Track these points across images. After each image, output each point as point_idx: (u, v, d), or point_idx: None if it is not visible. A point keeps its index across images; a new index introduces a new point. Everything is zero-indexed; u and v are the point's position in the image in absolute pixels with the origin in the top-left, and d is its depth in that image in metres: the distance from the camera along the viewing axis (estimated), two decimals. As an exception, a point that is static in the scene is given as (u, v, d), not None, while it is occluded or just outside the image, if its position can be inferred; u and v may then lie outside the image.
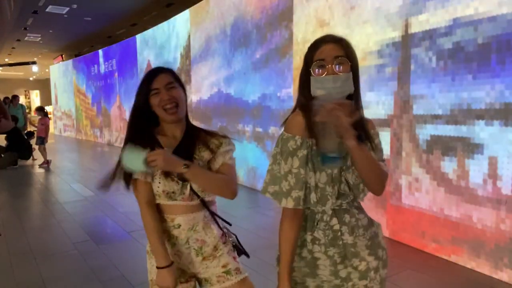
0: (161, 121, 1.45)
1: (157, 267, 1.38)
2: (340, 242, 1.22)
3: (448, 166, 3.09)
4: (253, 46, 5.50)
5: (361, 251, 1.24)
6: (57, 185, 6.72)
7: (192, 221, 1.43)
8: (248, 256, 1.53)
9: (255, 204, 4.97)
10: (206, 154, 1.44)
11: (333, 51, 1.17)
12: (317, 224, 1.23)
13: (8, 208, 5.12)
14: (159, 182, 1.38)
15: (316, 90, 1.19)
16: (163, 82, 1.39)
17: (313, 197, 1.21)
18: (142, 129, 1.42)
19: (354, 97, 1.24)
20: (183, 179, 1.37)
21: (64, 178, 7.11)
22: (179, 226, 1.42)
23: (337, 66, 1.17)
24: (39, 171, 7.86)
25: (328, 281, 1.24)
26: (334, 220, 1.22)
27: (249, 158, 5.76)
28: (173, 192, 1.38)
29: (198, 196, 1.41)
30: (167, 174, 1.37)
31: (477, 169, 2.90)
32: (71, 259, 3.33)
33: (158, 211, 1.42)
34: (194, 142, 1.45)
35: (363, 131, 1.21)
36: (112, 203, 5.06)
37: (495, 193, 2.80)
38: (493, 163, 2.81)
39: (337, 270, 1.23)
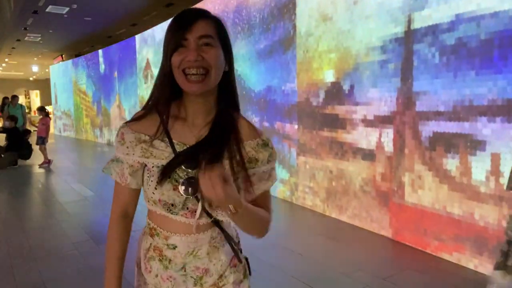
0: (183, 93, 1.00)
1: None
2: None
3: (451, 163, 3.07)
4: (256, 36, 5.42)
5: None
6: (57, 185, 6.70)
7: (193, 244, 1.02)
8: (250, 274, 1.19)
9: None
10: (240, 167, 0.99)
11: None
12: None
13: (8, 208, 5.11)
14: (155, 188, 0.98)
15: None
16: (197, 33, 0.92)
17: None
18: (159, 100, 1.00)
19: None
20: (192, 192, 0.96)
21: (64, 178, 7.09)
22: (174, 247, 1.02)
23: None
24: (39, 171, 7.85)
25: None
26: None
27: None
28: (172, 205, 0.98)
29: (210, 216, 0.99)
30: (163, 178, 0.96)
31: (479, 166, 2.88)
32: (71, 259, 3.31)
33: (151, 218, 1.06)
34: (228, 139, 1.00)
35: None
36: (112, 203, 5.04)
37: (498, 190, 2.79)
38: (495, 159, 2.79)
39: None
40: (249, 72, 5.65)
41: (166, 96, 0.99)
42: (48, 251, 3.49)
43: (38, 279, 2.94)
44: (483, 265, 2.90)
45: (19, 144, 8.33)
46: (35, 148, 8.48)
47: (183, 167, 0.96)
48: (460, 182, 3.02)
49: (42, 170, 7.88)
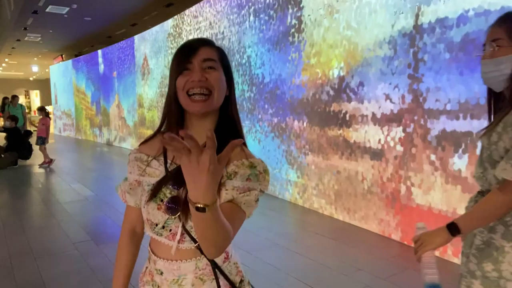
0: (186, 118, 1.02)
1: None
2: (487, 238, 1.25)
3: (459, 162, 3.03)
4: (263, 24, 5.37)
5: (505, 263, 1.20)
6: (57, 185, 6.71)
7: (176, 271, 0.99)
8: None
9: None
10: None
11: (491, 35, 1.22)
12: None
13: (8, 208, 5.11)
14: (143, 207, 1.00)
15: (481, 74, 1.28)
16: (201, 56, 0.97)
17: None
18: (167, 124, 1.03)
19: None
20: (172, 212, 0.95)
21: (64, 178, 7.10)
22: (161, 272, 1.00)
23: (491, 51, 1.21)
24: (39, 171, 7.86)
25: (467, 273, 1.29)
26: None
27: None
28: (156, 224, 0.97)
29: (195, 241, 0.94)
30: (150, 196, 0.97)
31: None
32: (71, 259, 3.32)
33: (149, 241, 1.06)
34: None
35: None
36: (112, 203, 5.05)
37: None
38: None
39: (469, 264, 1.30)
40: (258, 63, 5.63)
41: (175, 116, 1.01)
42: (48, 251, 3.49)
43: (38, 279, 2.95)
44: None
45: (19, 144, 8.34)
46: (35, 148, 8.49)
47: (170, 186, 0.96)
48: (468, 181, 2.99)
49: (42, 170, 7.89)
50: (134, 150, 1.09)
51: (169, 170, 0.98)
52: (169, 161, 1.00)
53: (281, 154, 5.12)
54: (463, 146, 3.01)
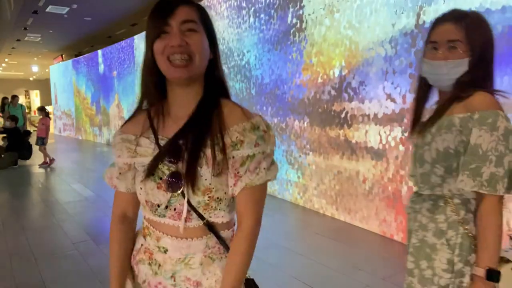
0: (168, 86, 0.95)
1: None
2: (421, 237, 1.26)
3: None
4: (263, 24, 5.36)
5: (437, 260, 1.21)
6: (57, 185, 6.70)
7: (185, 250, 0.93)
8: None
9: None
10: (222, 154, 0.89)
11: (447, 34, 1.15)
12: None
13: (8, 208, 5.10)
14: (140, 188, 0.94)
15: (424, 72, 1.22)
16: (179, 17, 0.88)
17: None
18: (147, 96, 0.97)
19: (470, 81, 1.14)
20: (174, 188, 0.89)
21: (64, 178, 7.09)
22: (165, 250, 0.94)
23: (450, 53, 1.15)
24: (39, 171, 7.85)
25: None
26: (426, 213, 1.25)
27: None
28: (158, 205, 0.92)
29: (202, 217, 0.91)
30: (146, 176, 0.91)
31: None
32: (71, 259, 3.31)
33: (145, 216, 1.00)
34: (210, 125, 0.90)
35: None
36: (112, 203, 5.04)
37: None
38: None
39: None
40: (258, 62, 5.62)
41: (153, 87, 0.94)
42: (48, 251, 3.48)
43: (38, 279, 2.94)
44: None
45: (19, 144, 8.33)
46: (35, 148, 8.48)
47: (166, 162, 0.90)
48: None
49: (42, 170, 7.88)
50: (118, 131, 1.00)
51: (161, 145, 0.91)
52: (159, 136, 0.92)
53: (282, 154, 5.11)
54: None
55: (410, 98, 3.39)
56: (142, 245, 1.01)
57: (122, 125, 1.01)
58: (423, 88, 1.29)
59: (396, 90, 3.52)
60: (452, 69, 1.14)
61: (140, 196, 0.95)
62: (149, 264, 0.97)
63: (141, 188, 0.93)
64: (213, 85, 0.95)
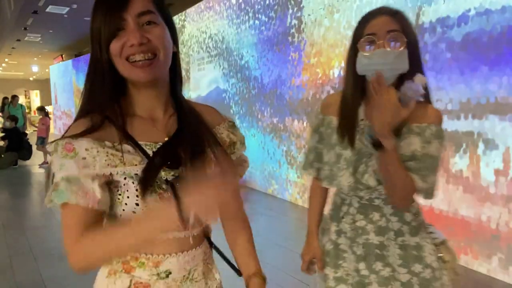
0: (128, 87, 0.83)
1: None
2: (364, 241, 1.17)
3: (460, 162, 3.02)
4: (261, 25, 5.37)
5: (390, 256, 1.15)
6: (57, 185, 6.70)
7: (189, 263, 0.85)
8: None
9: (254, 203, 4.96)
10: (221, 154, 0.87)
11: (386, 25, 1.05)
12: (343, 217, 1.21)
13: (8, 208, 5.11)
14: (136, 204, 0.78)
15: (363, 66, 1.07)
16: (135, 10, 0.76)
17: (322, 173, 1.23)
18: (101, 101, 0.79)
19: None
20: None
21: (64, 178, 7.09)
22: (168, 274, 0.83)
23: (391, 42, 1.04)
24: (39, 171, 7.85)
25: (352, 275, 1.20)
26: (359, 216, 1.18)
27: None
28: None
29: (200, 223, 0.86)
30: (145, 188, 0.76)
31: (490, 165, 2.84)
32: (71, 259, 3.31)
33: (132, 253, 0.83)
34: (206, 128, 0.87)
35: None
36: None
37: (510, 190, 2.75)
38: (506, 159, 2.76)
39: (358, 268, 1.18)
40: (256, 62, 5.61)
41: (109, 93, 0.80)
42: (48, 251, 3.49)
43: (38, 279, 2.94)
44: (492, 269, 2.90)
45: (19, 144, 8.33)
46: (35, 148, 8.49)
47: (166, 169, 0.79)
48: (470, 182, 2.97)
49: (42, 170, 7.88)
50: (75, 140, 0.76)
51: (148, 153, 0.79)
52: (141, 143, 0.79)
53: (281, 154, 5.11)
54: (464, 146, 3.00)
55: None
56: (130, 281, 0.83)
57: (75, 135, 0.77)
58: (359, 88, 1.15)
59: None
60: (396, 58, 1.04)
61: (134, 215, 0.78)
62: None
63: (137, 204, 0.77)
64: (178, 81, 0.88)
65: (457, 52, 3.02)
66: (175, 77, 0.87)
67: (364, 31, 1.08)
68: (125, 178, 0.77)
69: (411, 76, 1.04)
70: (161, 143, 0.81)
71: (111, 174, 0.76)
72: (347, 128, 1.14)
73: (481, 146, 2.90)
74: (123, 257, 0.82)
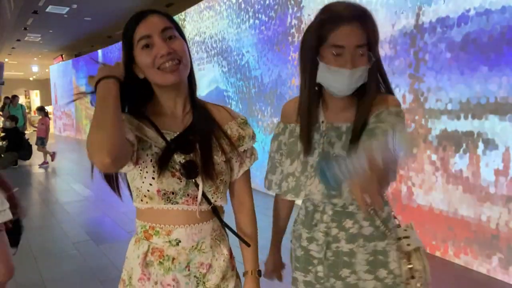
0: (154, 92, 1.03)
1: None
2: (335, 249, 1.13)
3: (460, 162, 3.02)
4: (261, 24, 5.37)
5: (357, 263, 1.12)
6: (57, 185, 6.71)
7: (197, 235, 1.01)
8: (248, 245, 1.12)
9: (254, 203, 4.95)
10: (230, 147, 1.04)
11: (355, 38, 0.99)
12: (315, 224, 1.16)
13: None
14: (152, 178, 0.95)
15: (327, 80, 1.04)
16: (157, 27, 0.94)
17: (284, 185, 1.19)
18: (133, 107, 1.02)
19: (370, 88, 1.06)
20: (190, 175, 0.96)
21: (64, 178, 7.09)
22: (178, 242, 0.99)
23: (358, 58, 1.00)
24: (39, 171, 7.85)
25: (320, 282, 1.17)
26: (332, 224, 1.13)
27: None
28: (172, 193, 0.97)
29: (209, 202, 1.01)
30: (162, 166, 0.95)
31: (490, 165, 2.85)
32: (71, 259, 3.31)
33: (146, 219, 1.02)
34: (214, 123, 1.04)
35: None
36: (112, 203, 5.04)
37: (510, 190, 2.75)
38: (506, 159, 2.76)
39: (327, 274, 1.15)
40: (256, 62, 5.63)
41: (142, 97, 1.04)
42: (48, 251, 3.49)
43: (38, 279, 2.94)
44: (493, 268, 2.90)
45: (19, 144, 8.33)
46: (35, 148, 8.48)
47: (179, 152, 0.98)
48: (470, 181, 2.97)
49: (42, 170, 7.88)
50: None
51: (167, 139, 0.98)
52: (164, 131, 0.99)
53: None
54: (464, 146, 3.00)
55: (409, 98, 3.39)
56: (148, 246, 1.01)
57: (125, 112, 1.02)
58: (316, 95, 1.12)
59: (395, 91, 3.49)
60: (359, 77, 1.02)
61: (150, 187, 0.96)
62: (160, 263, 1.00)
63: (153, 178, 0.95)
64: (194, 85, 1.06)
65: (457, 52, 3.02)
66: (191, 81, 1.04)
67: (333, 38, 1.00)
68: (147, 155, 0.96)
69: (370, 87, 1.05)
70: (178, 133, 1.00)
71: (139, 139, 0.96)
72: (310, 132, 1.11)
73: (481, 146, 2.90)
74: (109, 124, 0.87)
